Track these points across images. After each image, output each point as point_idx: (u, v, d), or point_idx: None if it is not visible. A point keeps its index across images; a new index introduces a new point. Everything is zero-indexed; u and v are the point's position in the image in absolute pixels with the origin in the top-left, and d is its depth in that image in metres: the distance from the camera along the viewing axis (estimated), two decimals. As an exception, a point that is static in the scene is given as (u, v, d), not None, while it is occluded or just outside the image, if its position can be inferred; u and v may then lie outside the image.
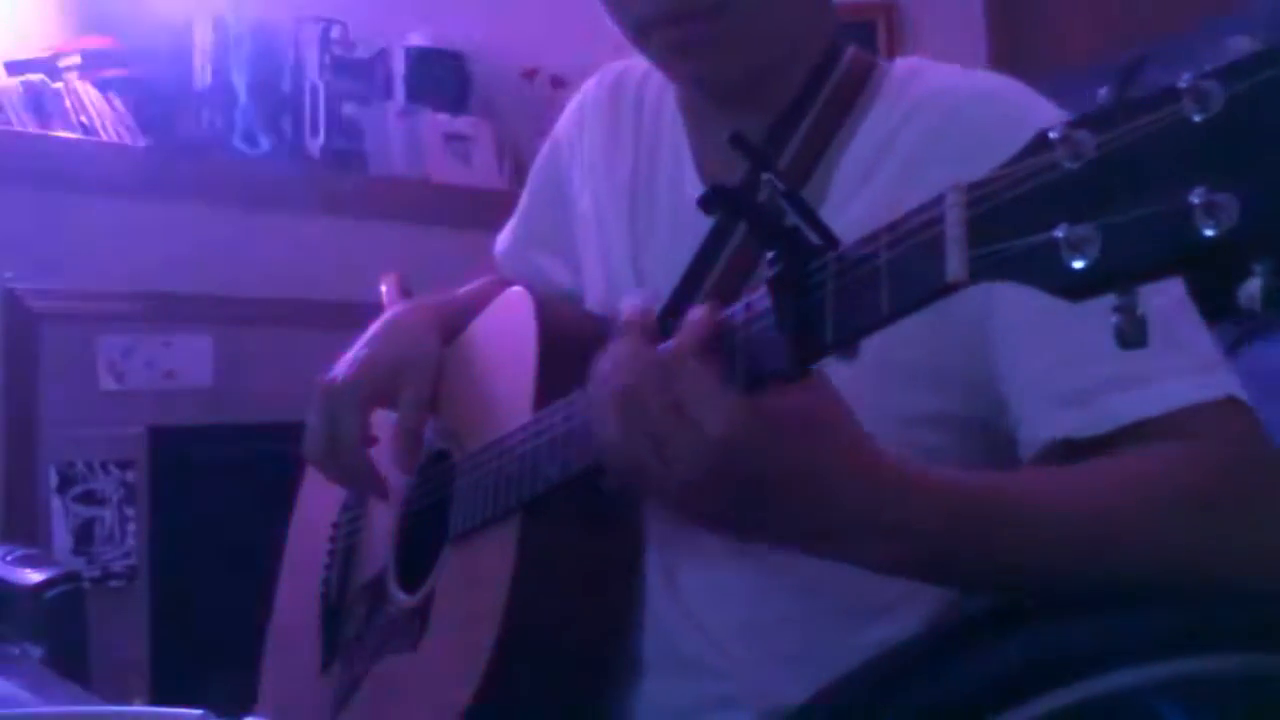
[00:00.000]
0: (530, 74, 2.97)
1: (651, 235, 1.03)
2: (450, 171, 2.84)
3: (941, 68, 0.97)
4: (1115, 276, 0.48)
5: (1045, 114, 0.90)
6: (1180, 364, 0.78)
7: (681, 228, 0.97)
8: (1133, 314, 0.49)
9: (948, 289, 0.55)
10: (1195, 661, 0.71)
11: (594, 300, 1.09)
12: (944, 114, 0.90)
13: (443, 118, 2.87)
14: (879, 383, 0.67)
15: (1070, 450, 0.81)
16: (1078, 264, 0.48)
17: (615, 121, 1.10)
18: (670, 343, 0.70)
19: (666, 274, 0.97)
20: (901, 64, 0.98)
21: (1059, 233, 0.48)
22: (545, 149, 1.21)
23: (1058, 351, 0.80)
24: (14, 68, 2.40)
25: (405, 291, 1.28)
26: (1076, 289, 0.49)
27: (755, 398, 0.68)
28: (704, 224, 0.95)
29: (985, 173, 0.84)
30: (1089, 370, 0.79)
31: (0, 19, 2.45)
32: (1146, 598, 0.75)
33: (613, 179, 1.08)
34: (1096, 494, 0.77)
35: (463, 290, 1.26)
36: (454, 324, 1.14)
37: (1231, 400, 0.79)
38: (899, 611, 0.87)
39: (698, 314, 0.71)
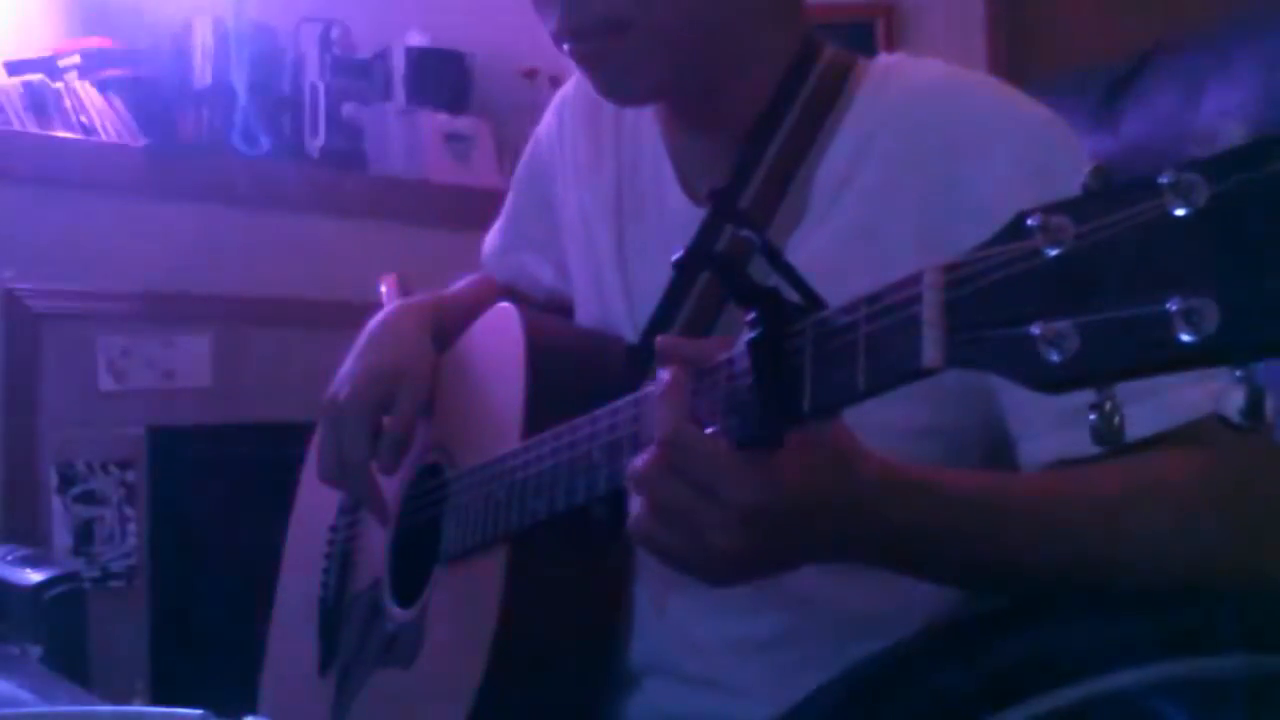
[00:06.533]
0: (530, 74, 2.97)
1: (638, 245, 1.02)
2: (450, 171, 2.84)
3: (918, 65, 0.95)
4: (1092, 376, 0.47)
5: (1021, 111, 0.89)
6: (1189, 374, 0.77)
7: (667, 238, 0.96)
8: (1110, 418, 0.48)
9: (921, 373, 0.54)
10: (1195, 661, 0.71)
11: (584, 313, 1.09)
12: (916, 116, 0.89)
13: (443, 118, 2.87)
14: None
15: (1073, 468, 0.80)
16: (1054, 359, 0.47)
17: (596, 127, 1.08)
18: (670, 423, 0.68)
19: (654, 285, 0.97)
20: (879, 62, 0.96)
21: (1035, 329, 0.47)
22: (528, 150, 1.20)
23: None
24: (14, 68, 2.40)
25: (405, 292, 1.28)
26: (1052, 384, 0.48)
27: (765, 456, 0.66)
28: (689, 233, 0.94)
29: (957, 176, 0.84)
30: None
31: (0, 19, 2.45)
32: (1148, 597, 0.75)
33: (597, 188, 1.06)
34: (1114, 499, 0.77)
35: (457, 288, 1.25)
36: (447, 327, 1.14)
37: None
38: (892, 624, 0.86)
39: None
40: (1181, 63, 1.20)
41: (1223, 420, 0.44)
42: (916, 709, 0.74)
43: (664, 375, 0.70)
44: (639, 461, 0.69)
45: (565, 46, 0.93)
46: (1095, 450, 0.77)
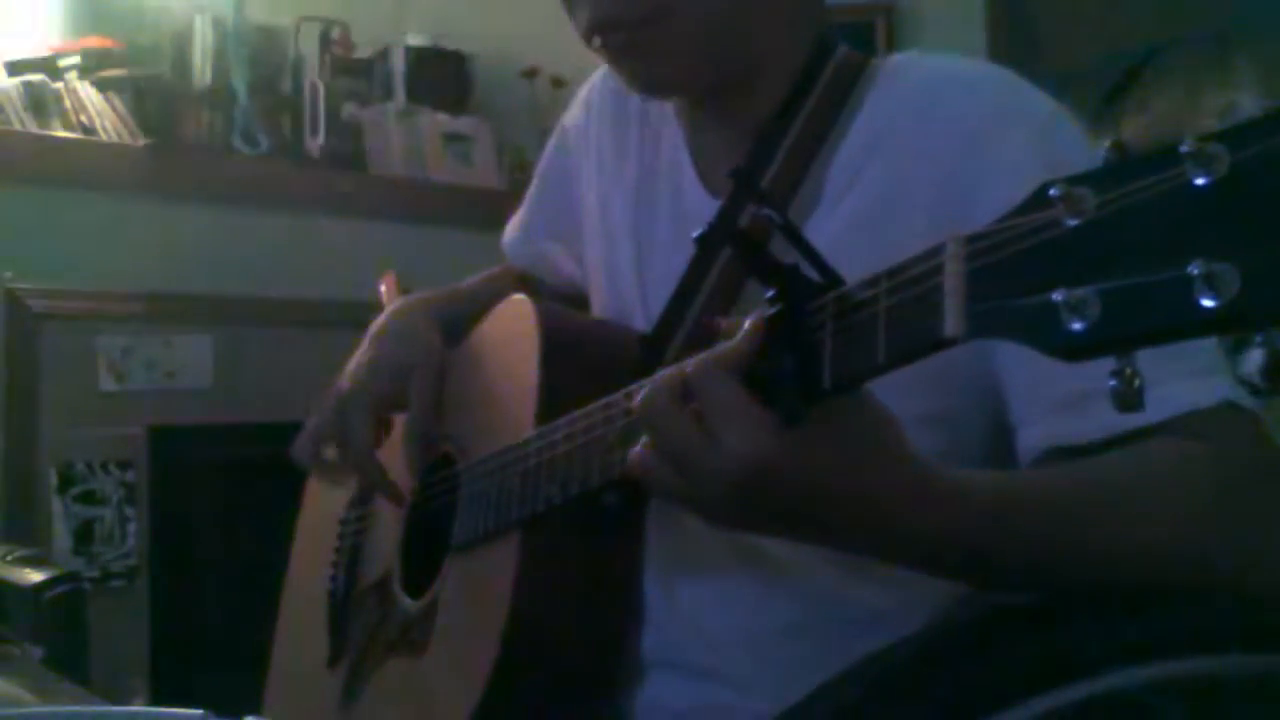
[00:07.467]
0: (530, 74, 2.97)
1: (654, 239, 1.03)
2: (450, 171, 2.84)
3: (931, 60, 0.97)
4: (1113, 342, 0.47)
5: (1030, 102, 0.89)
6: (1178, 368, 0.77)
7: (683, 232, 0.97)
8: (1130, 382, 0.48)
9: (944, 343, 0.54)
10: (1195, 661, 0.71)
11: (599, 303, 1.09)
12: (928, 108, 0.90)
13: (443, 118, 2.87)
14: (875, 382, 0.66)
15: (1068, 455, 0.80)
16: (1076, 326, 0.47)
17: (621, 122, 1.10)
18: (700, 355, 0.67)
19: (669, 276, 0.97)
20: (893, 59, 0.98)
21: (1057, 296, 0.47)
22: (554, 138, 1.22)
23: None
24: (14, 68, 2.40)
25: (404, 290, 1.28)
26: (1073, 352, 0.48)
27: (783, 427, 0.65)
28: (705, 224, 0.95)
29: (968, 167, 0.85)
30: (1087, 373, 0.79)
31: (0, 19, 2.45)
32: (1148, 597, 0.75)
33: (619, 182, 1.08)
34: (1114, 496, 0.77)
35: (472, 281, 1.26)
36: (458, 321, 1.14)
37: (1230, 404, 0.78)
38: (898, 620, 0.86)
39: (746, 322, 0.68)
40: (1181, 63, 1.20)
41: (1242, 381, 0.44)
42: (917, 708, 0.74)
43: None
44: (647, 392, 0.68)
45: (597, 40, 0.93)
46: (1089, 439, 0.79)
